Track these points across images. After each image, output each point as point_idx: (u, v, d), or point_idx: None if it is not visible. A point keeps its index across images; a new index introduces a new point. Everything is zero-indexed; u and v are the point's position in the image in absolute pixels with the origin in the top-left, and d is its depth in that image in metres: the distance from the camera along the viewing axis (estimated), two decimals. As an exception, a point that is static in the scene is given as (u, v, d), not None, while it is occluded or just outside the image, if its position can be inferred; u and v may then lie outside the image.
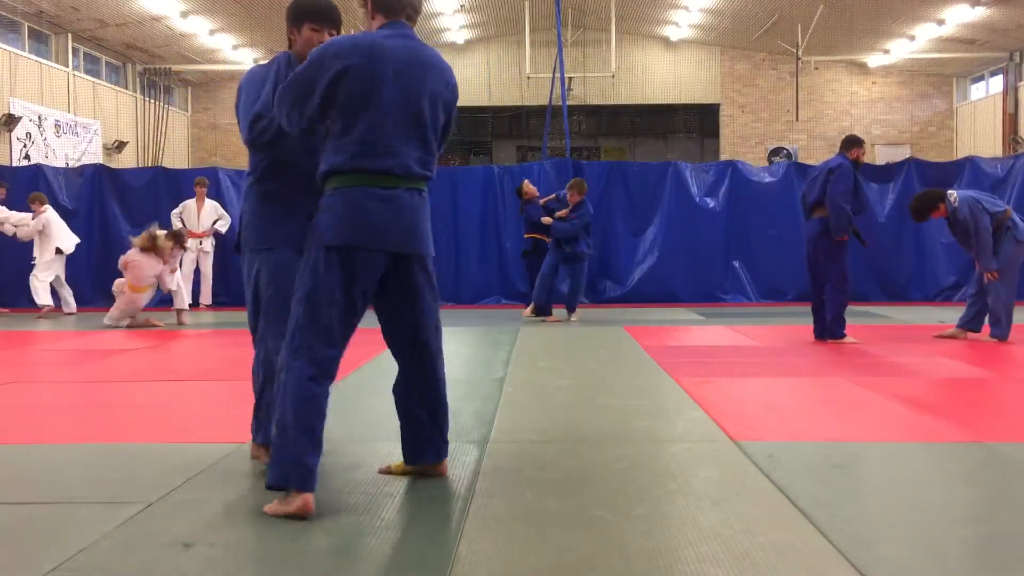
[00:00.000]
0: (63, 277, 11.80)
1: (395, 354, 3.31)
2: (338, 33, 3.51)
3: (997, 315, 7.79)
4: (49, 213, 11.73)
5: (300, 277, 3.05)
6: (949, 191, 8.02)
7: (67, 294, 11.85)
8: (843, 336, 7.75)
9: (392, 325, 3.24)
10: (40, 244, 11.78)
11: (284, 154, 3.41)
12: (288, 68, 3.45)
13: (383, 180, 3.02)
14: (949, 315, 9.50)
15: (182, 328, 9.79)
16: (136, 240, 9.77)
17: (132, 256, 9.65)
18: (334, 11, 3.50)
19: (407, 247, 3.08)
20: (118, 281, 10.05)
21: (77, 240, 11.99)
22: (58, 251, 11.80)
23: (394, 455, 3.74)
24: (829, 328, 7.81)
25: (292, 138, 3.26)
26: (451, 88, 3.22)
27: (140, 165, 21.53)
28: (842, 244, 7.76)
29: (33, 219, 11.66)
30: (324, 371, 3.01)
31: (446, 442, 3.37)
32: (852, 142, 8.00)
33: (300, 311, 3.00)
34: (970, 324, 8.06)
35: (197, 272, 12.26)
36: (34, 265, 11.85)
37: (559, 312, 10.41)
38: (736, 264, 13.26)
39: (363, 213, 2.99)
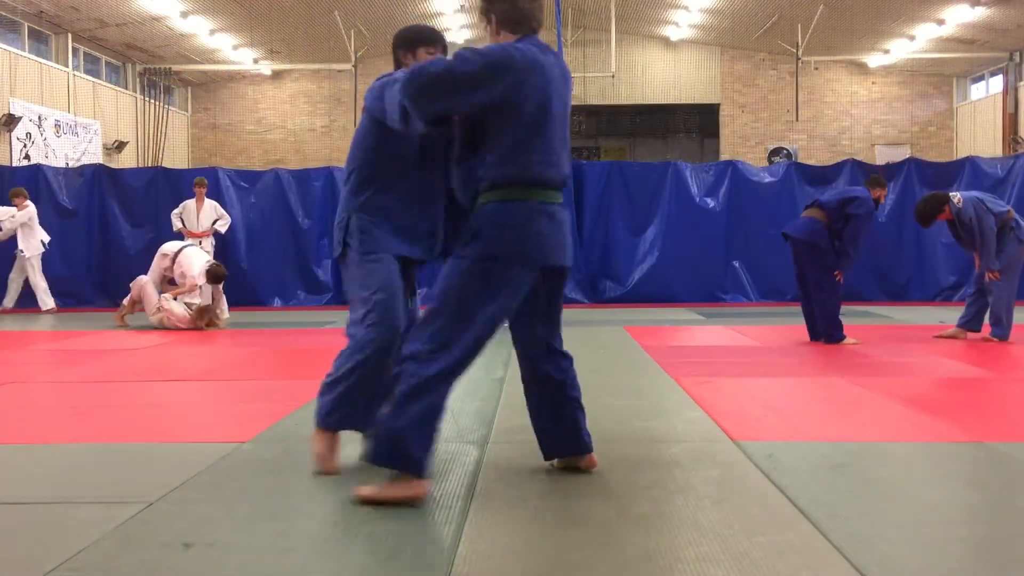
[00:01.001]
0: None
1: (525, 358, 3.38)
2: (444, 52, 3.61)
3: (998, 315, 7.79)
4: (32, 207, 11.83)
5: (459, 281, 3.05)
6: (952, 193, 8.03)
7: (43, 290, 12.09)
8: (842, 338, 7.71)
9: (525, 332, 3.33)
10: (25, 238, 11.86)
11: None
12: None
13: (549, 194, 3.09)
14: (949, 315, 9.50)
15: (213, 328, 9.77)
16: (189, 312, 9.59)
17: (172, 309, 9.53)
18: (441, 34, 3.74)
19: (563, 261, 3.17)
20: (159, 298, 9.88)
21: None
22: (42, 243, 11.93)
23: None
24: (825, 332, 7.73)
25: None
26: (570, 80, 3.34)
27: (140, 165, 21.53)
28: (829, 251, 7.71)
29: (19, 212, 11.75)
30: (456, 375, 3.03)
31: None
32: (878, 182, 8.12)
33: (448, 313, 3.01)
34: (970, 324, 8.06)
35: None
36: (17, 257, 11.90)
37: None
38: (736, 264, 13.27)
39: (533, 228, 3.05)
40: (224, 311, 10.16)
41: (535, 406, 3.42)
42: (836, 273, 7.71)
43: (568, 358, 3.40)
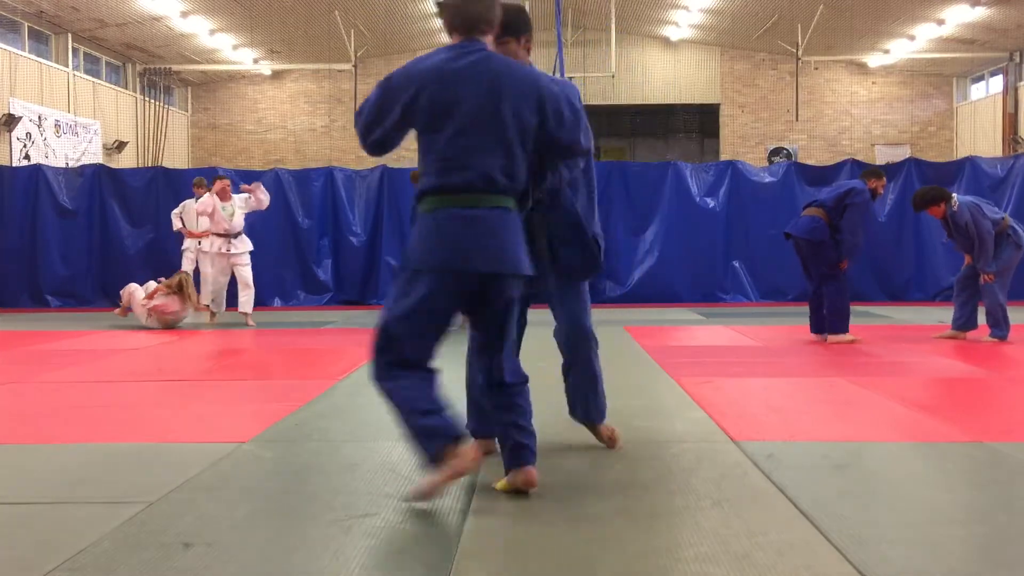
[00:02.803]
0: None
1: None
2: (525, 41, 3.48)
3: (995, 316, 7.82)
4: None
5: (391, 291, 3.12)
6: (953, 194, 8.03)
7: None
8: (844, 331, 7.78)
9: (482, 336, 3.23)
10: None
11: None
12: None
13: (466, 199, 3.02)
14: (949, 315, 9.50)
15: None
16: (165, 283, 9.78)
17: (160, 301, 9.65)
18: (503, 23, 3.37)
19: (492, 267, 3.05)
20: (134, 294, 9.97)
21: None
22: None
23: (393, 454, 3.74)
24: (829, 324, 7.81)
25: None
26: (535, 91, 3.12)
27: (140, 165, 21.52)
28: (832, 246, 7.76)
29: None
30: (415, 370, 3.07)
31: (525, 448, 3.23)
32: (875, 174, 8.13)
33: (387, 326, 3.05)
34: (966, 325, 8.10)
35: (196, 272, 12.23)
36: None
37: None
38: (736, 264, 13.27)
39: (447, 237, 3.01)
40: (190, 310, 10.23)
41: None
42: (840, 264, 7.76)
43: (510, 385, 3.24)
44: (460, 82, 3.03)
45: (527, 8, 22.73)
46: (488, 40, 3.16)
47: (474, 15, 3.10)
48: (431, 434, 2.98)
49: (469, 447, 2.98)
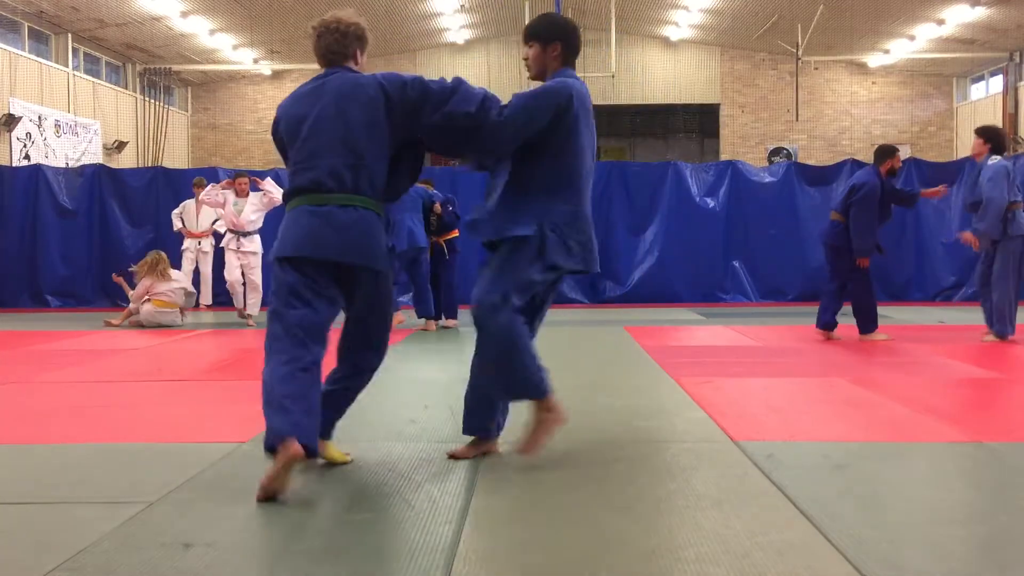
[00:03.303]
0: None
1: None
2: (542, 47, 3.71)
3: (1001, 312, 7.77)
4: None
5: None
6: (997, 155, 7.75)
7: None
8: (871, 330, 7.87)
9: (348, 327, 3.58)
10: None
11: None
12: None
13: (318, 197, 3.31)
14: (949, 315, 9.52)
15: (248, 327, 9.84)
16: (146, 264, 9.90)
17: (141, 287, 9.77)
18: (532, 27, 3.76)
19: (347, 258, 3.31)
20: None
21: None
22: None
23: (393, 454, 3.75)
24: (857, 324, 7.93)
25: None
26: (376, 88, 3.36)
27: (140, 165, 21.52)
28: (848, 248, 7.82)
29: None
30: (298, 362, 3.24)
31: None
32: (884, 153, 8.05)
33: (270, 313, 3.37)
34: None
35: (197, 272, 12.25)
36: None
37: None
38: (736, 264, 13.27)
39: (302, 228, 3.32)
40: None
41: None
42: (858, 261, 7.78)
43: (360, 370, 3.58)
44: (307, 100, 3.42)
45: (527, 8, 22.76)
46: (353, 65, 3.51)
47: (325, 48, 3.50)
48: (285, 413, 3.08)
49: (292, 445, 3.02)
